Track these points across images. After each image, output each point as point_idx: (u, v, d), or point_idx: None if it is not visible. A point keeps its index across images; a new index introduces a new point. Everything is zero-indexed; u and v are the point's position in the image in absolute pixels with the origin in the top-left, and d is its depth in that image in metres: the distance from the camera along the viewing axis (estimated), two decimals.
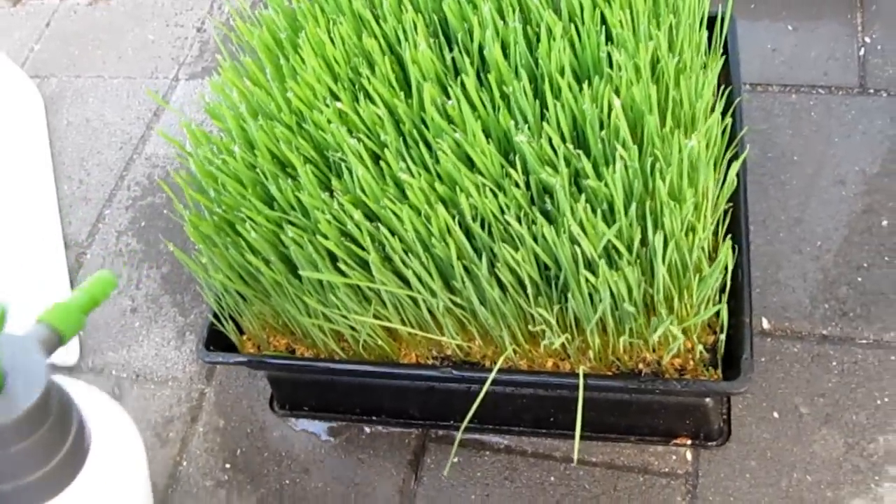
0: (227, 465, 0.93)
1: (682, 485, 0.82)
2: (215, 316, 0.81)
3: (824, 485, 0.79)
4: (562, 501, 0.83)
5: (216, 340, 0.82)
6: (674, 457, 0.83)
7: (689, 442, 0.83)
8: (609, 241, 0.61)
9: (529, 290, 0.66)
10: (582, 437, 0.85)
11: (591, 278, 0.61)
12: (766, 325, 0.89)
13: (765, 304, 0.90)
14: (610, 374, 0.72)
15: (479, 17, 0.71)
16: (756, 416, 0.84)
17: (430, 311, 0.71)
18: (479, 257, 0.65)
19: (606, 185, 0.60)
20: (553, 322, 0.67)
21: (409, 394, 0.86)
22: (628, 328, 0.68)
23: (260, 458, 0.93)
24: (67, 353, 1.04)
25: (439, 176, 0.66)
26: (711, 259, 0.73)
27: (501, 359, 0.69)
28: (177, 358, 1.03)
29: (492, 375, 0.69)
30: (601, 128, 0.63)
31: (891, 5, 1.11)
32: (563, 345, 0.71)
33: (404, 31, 0.72)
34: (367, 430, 0.92)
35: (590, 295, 0.64)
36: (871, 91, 1.02)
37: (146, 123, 1.28)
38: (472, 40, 0.71)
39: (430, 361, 0.78)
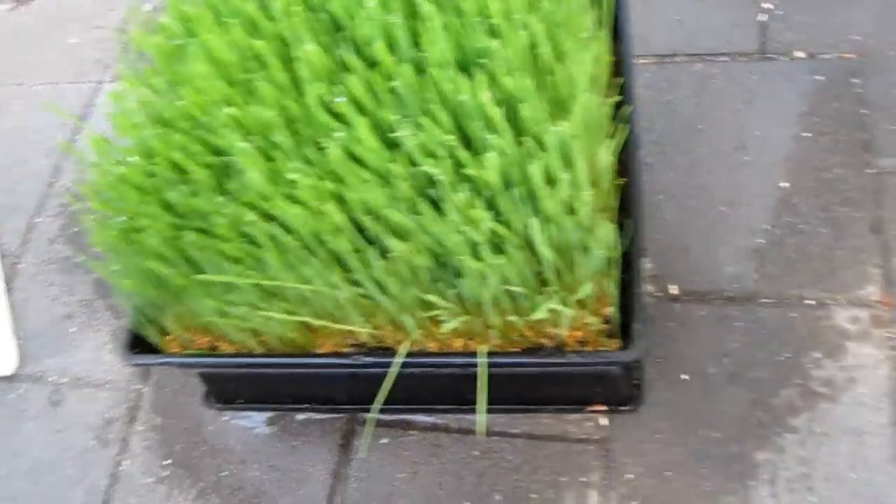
0: (167, 462, 0.95)
1: (598, 450, 0.85)
2: (136, 319, 0.83)
3: (731, 440, 0.83)
4: (485, 474, 0.86)
5: (141, 342, 0.84)
6: (589, 423, 0.87)
7: (603, 408, 0.86)
8: (493, 226, 0.64)
9: (424, 277, 0.68)
10: (502, 411, 0.89)
11: (476, 265, 0.64)
12: (673, 290, 0.92)
13: (672, 270, 0.93)
14: (513, 350, 0.75)
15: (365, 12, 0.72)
16: (666, 380, 0.88)
17: (335, 303, 0.73)
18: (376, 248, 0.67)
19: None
20: (448, 306, 0.69)
21: (334, 381, 0.89)
22: (524, 307, 0.71)
23: (198, 452, 0.95)
24: (4, 362, 1.06)
25: (330, 173, 0.68)
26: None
27: (407, 344, 0.72)
28: (113, 360, 1.04)
29: (398, 360, 0.72)
30: (481, 118, 0.66)
31: None
32: (467, 325, 0.74)
33: (295, 32, 0.74)
34: (300, 417, 0.94)
35: (481, 278, 0.67)
36: (772, 56, 1.05)
37: (72, 129, 1.28)
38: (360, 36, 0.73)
39: (346, 349, 0.81)
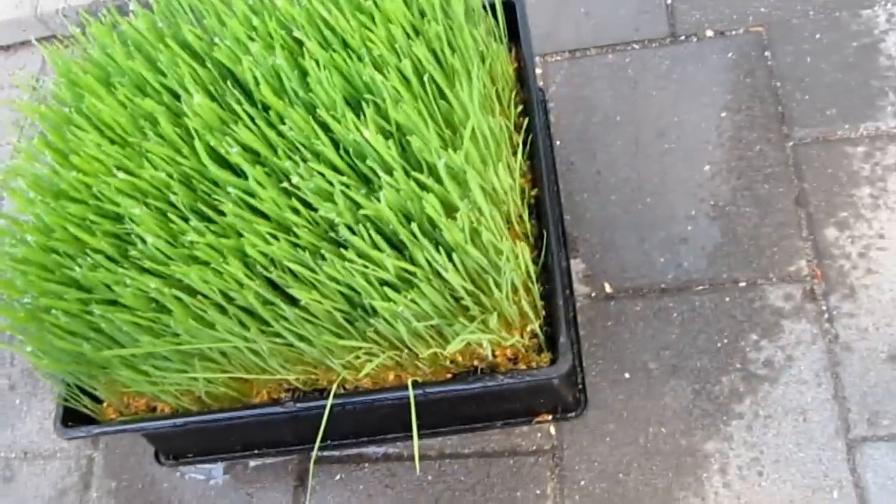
0: None
1: (549, 460, 0.85)
2: (67, 393, 0.81)
3: (678, 434, 0.83)
4: (440, 498, 0.86)
5: (75, 414, 0.83)
6: (539, 434, 0.87)
7: (549, 417, 0.86)
8: (398, 264, 0.63)
9: (339, 321, 0.67)
10: (452, 432, 0.88)
11: (385, 305, 0.63)
12: (608, 288, 0.92)
13: (605, 269, 0.93)
14: (443, 379, 0.74)
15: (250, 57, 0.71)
16: (609, 380, 0.87)
17: (258, 355, 0.72)
18: (287, 299, 0.66)
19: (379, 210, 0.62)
20: (368, 346, 0.68)
21: (278, 426, 0.88)
22: (447, 335, 0.70)
23: None
24: None
25: (229, 227, 0.66)
26: (533, 241, 0.75)
27: (335, 385, 0.71)
28: None
29: (329, 402, 0.71)
30: (373, 155, 0.65)
31: None
32: (394, 360, 0.73)
33: (182, 84, 0.72)
34: (252, 464, 0.93)
35: (393, 316, 0.66)
36: (682, 38, 1.05)
37: None
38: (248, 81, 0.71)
39: (281, 394, 0.80)
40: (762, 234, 0.91)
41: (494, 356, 0.74)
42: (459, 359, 0.75)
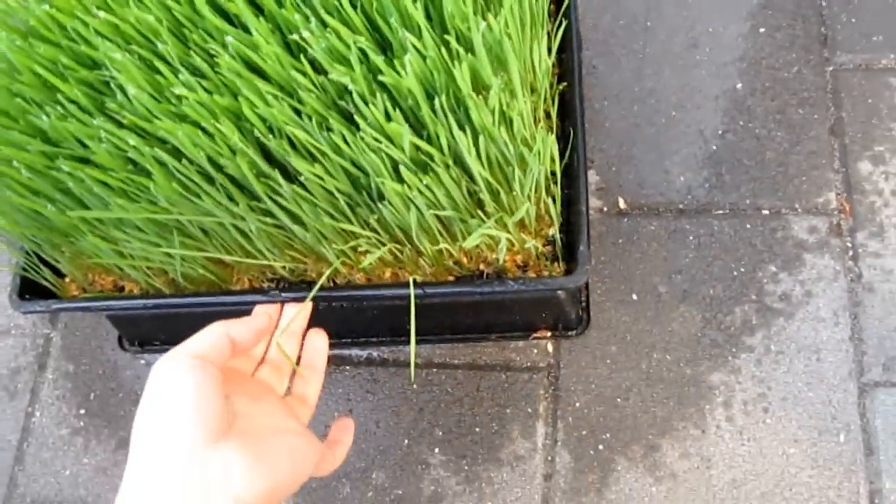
0: (82, 411, 0.88)
1: (544, 377, 0.80)
2: (26, 262, 0.73)
3: (683, 362, 0.79)
4: (425, 408, 0.81)
5: (34, 287, 0.75)
6: (535, 350, 0.81)
7: (548, 334, 0.81)
8: (416, 142, 0.56)
9: (341, 203, 0.60)
10: (442, 341, 0.83)
11: (398, 188, 0.56)
12: (622, 204, 0.86)
13: (621, 183, 0.86)
14: (447, 280, 0.68)
15: None
16: (615, 300, 0.82)
17: (244, 235, 0.65)
18: (282, 172, 0.59)
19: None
20: (370, 235, 0.62)
21: None
22: (457, 232, 0.63)
23: (115, 399, 0.88)
24: None
25: (224, 85, 0.58)
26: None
27: (325, 276, 0.64)
28: None
29: (312, 293, 0.63)
30: (398, 15, 0.57)
31: None
32: (395, 255, 0.67)
33: None
34: None
35: (404, 202, 0.59)
36: None
37: None
38: None
39: (264, 284, 0.73)
40: (791, 161, 0.85)
41: (504, 261, 0.67)
42: (465, 260, 0.69)
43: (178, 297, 0.70)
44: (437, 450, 0.79)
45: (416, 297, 0.64)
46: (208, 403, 0.47)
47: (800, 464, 0.74)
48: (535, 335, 0.81)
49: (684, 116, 0.88)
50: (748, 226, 0.83)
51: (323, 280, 0.64)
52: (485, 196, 0.61)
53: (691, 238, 0.83)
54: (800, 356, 0.77)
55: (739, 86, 0.89)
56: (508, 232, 0.61)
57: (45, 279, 0.74)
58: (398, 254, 0.66)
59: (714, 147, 0.86)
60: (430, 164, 0.57)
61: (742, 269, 0.81)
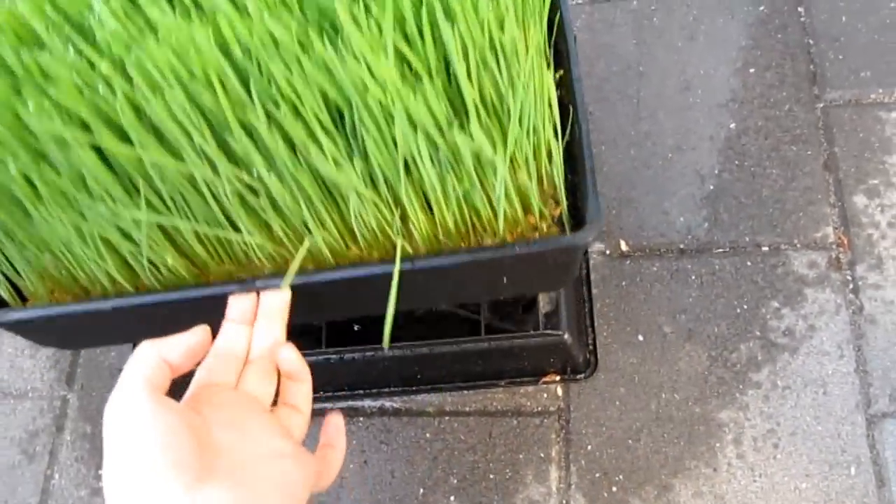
0: (101, 472, 0.89)
1: (555, 422, 0.81)
2: None
3: (692, 401, 0.80)
4: (438, 456, 0.82)
5: None
6: (545, 395, 0.82)
7: (557, 378, 0.82)
8: (404, 55, 0.52)
9: (324, 143, 0.54)
10: (454, 389, 0.84)
11: (381, 96, 0.51)
12: (624, 246, 0.87)
13: (621, 225, 0.88)
14: (437, 251, 0.60)
15: None
16: (621, 342, 0.83)
17: (217, 200, 0.58)
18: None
19: None
20: (356, 181, 0.56)
21: None
22: (451, 192, 0.57)
23: None
24: None
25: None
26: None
27: (303, 249, 0.57)
28: (33, 367, 0.97)
29: (296, 264, 0.56)
30: None
31: None
32: (384, 230, 0.59)
33: None
34: None
35: (386, 118, 0.53)
36: None
37: None
38: None
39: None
40: (788, 197, 0.86)
41: (503, 230, 0.60)
42: (456, 225, 0.60)
43: (142, 295, 0.62)
44: (452, 497, 0.80)
45: (405, 267, 0.56)
46: (181, 445, 0.42)
47: (812, 498, 0.74)
48: (544, 380, 0.82)
49: (681, 158, 0.90)
50: (749, 263, 0.84)
51: (303, 252, 0.57)
52: (473, 115, 0.55)
53: (693, 277, 0.84)
54: (807, 390, 0.78)
55: (733, 125, 0.91)
56: (504, 157, 0.55)
57: (5, 294, 0.67)
58: (387, 226, 0.59)
59: (711, 187, 0.88)
60: (414, 79, 0.53)
61: (745, 306, 0.82)
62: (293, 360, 0.55)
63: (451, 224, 0.59)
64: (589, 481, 0.78)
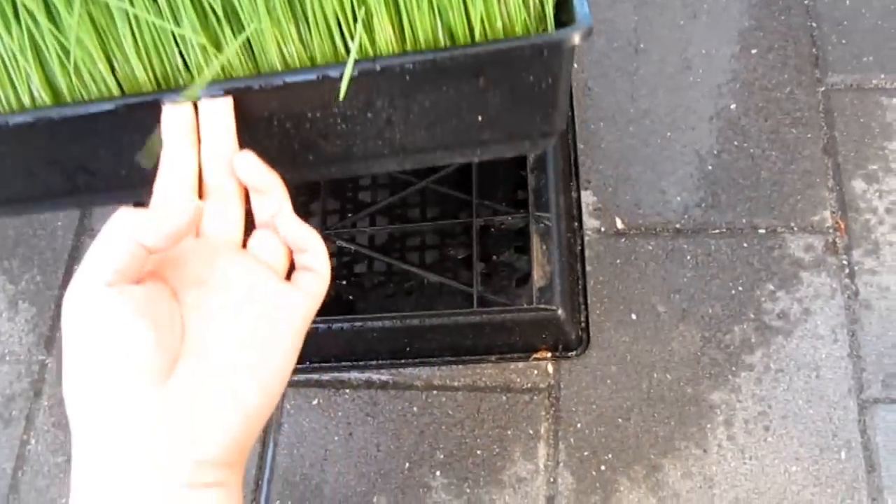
0: None
1: (545, 399, 0.80)
2: None
3: (684, 381, 0.79)
4: (425, 431, 0.80)
5: None
6: (535, 372, 0.81)
7: (548, 355, 0.81)
8: None
9: None
10: (443, 363, 0.83)
11: None
12: (619, 224, 0.86)
13: (618, 203, 0.87)
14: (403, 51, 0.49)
15: None
16: (614, 321, 0.82)
17: None
18: None
19: None
20: None
21: None
22: None
23: None
24: None
25: None
26: None
27: (239, 40, 0.46)
28: (11, 330, 0.94)
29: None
30: None
31: None
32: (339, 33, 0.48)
33: None
34: None
35: None
36: None
37: None
38: None
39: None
40: (786, 180, 0.85)
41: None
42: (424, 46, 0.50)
43: (58, 108, 0.48)
44: (438, 472, 0.78)
45: (364, 79, 0.47)
46: (142, 341, 0.39)
47: (802, 482, 0.74)
48: (535, 356, 0.81)
49: (679, 137, 0.89)
50: (745, 245, 0.83)
51: (237, 45, 0.46)
52: None
53: (689, 257, 0.83)
54: (799, 374, 0.77)
55: (733, 106, 0.90)
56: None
57: None
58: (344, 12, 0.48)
59: (709, 167, 0.87)
60: None
61: (740, 288, 0.81)
62: (251, 165, 0.44)
63: (420, 35, 0.49)
64: (577, 459, 0.77)
